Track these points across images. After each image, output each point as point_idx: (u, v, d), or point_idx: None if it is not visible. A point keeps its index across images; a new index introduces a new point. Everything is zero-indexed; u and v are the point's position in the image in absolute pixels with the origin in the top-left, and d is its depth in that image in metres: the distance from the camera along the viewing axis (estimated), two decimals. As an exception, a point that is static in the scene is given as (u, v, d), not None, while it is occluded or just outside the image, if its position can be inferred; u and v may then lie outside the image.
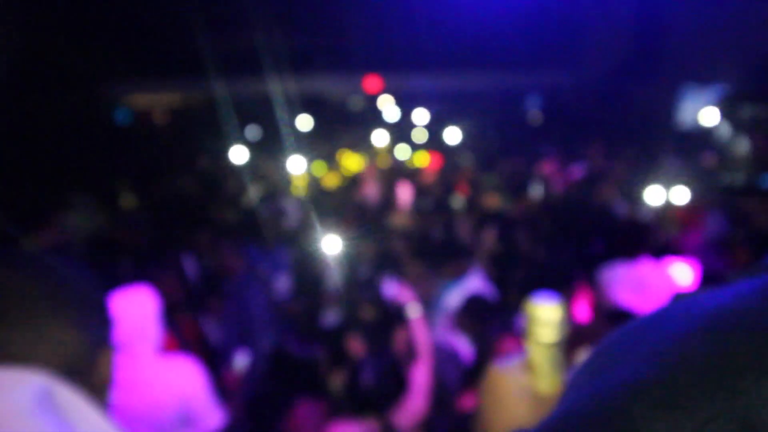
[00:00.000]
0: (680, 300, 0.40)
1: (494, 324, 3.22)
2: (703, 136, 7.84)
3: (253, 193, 6.20)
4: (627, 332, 0.41)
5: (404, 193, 6.09)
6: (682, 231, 4.52)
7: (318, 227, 3.95)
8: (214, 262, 4.24)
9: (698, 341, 0.33)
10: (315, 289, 3.91)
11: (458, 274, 3.76)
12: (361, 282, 3.27)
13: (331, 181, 7.49)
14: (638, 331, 0.39)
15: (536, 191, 5.90)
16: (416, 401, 2.31)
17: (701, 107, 8.08)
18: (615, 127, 9.21)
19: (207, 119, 8.08)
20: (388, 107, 10.77)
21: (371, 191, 6.68)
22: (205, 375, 2.25)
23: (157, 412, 2.08)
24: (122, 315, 2.03)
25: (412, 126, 9.95)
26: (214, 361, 3.10)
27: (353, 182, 7.07)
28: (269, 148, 7.51)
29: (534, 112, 12.58)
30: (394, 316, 2.75)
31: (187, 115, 11.30)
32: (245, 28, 8.49)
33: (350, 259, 3.87)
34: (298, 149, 6.25)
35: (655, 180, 4.78)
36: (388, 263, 3.86)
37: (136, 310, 2.08)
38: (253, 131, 10.53)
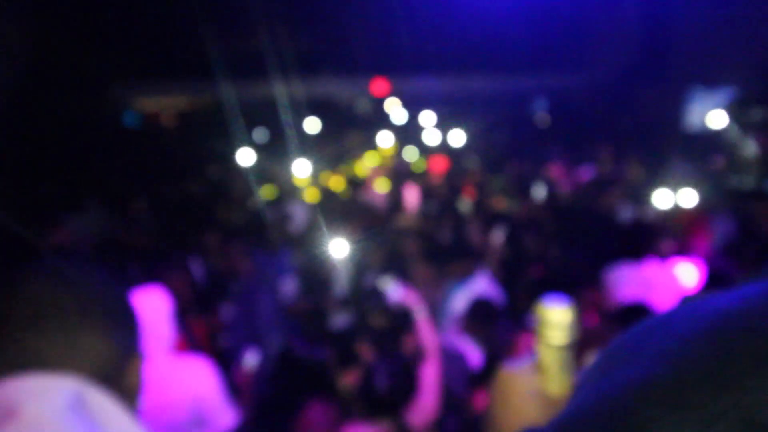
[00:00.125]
0: (687, 302, 0.41)
1: (500, 327, 3.23)
2: (712, 139, 7.81)
3: (260, 196, 6.22)
4: (635, 334, 0.42)
5: (411, 196, 6.10)
6: (689, 234, 4.51)
7: (325, 230, 3.96)
8: (222, 264, 4.26)
9: (705, 342, 0.34)
10: (322, 291, 3.92)
11: (464, 275, 3.76)
12: (369, 288, 3.27)
13: (338, 183, 7.51)
14: (646, 332, 0.40)
15: (542, 193, 5.89)
16: (427, 401, 2.32)
17: (710, 110, 8.05)
18: (623, 129, 9.18)
19: (215, 122, 8.11)
20: (396, 110, 10.77)
21: (378, 194, 6.69)
22: (218, 375, 2.27)
23: (170, 413, 2.09)
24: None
25: (419, 129, 9.95)
26: (224, 361, 3.12)
27: (360, 185, 7.08)
28: (277, 151, 7.53)
29: (541, 115, 12.56)
30: (402, 320, 2.76)
31: (196, 118, 11.35)
32: (253, 32, 8.51)
33: (357, 262, 3.87)
34: (306, 152, 6.27)
35: (663, 183, 4.77)
36: (395, 266, 3.87)
37: (148, 310, 2.10)
38: (260, 134, 10.56)
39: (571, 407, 0.39)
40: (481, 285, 3.67)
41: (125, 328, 0.80)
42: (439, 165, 8.04)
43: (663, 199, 4.57)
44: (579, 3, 10.16)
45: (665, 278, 3.48)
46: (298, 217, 5.60)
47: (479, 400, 2.51)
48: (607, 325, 2.68)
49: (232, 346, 3.55)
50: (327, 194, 6.63)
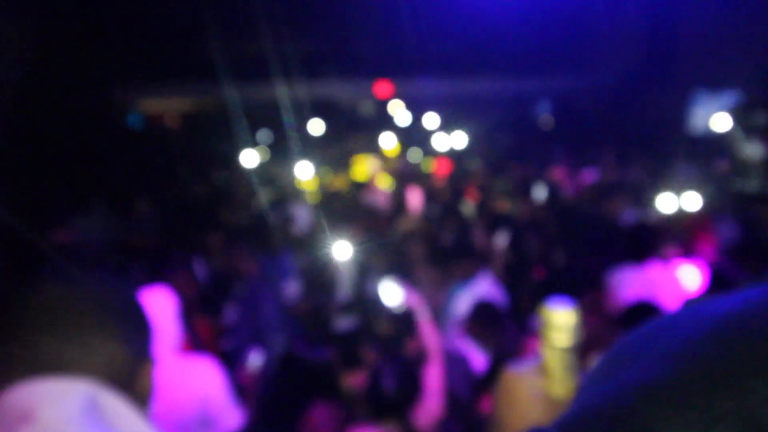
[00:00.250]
0: (691, 305, 0.42)
1: (503, 329, 3.23)
2: (716, 142, 7.80)
3: (263, 197, 6.23)
4: (638, 336, 0.43)
5: (414, 198, 6.10)
6: (694, 237, 4.51)
7: (328, 232, 3.97)
8: (225, 265, 4.27)
9: (708, 344, 0.35)
10: (325, 293, 3.92)
11: (467, 276, 3.75)
12: (373, 295, 3.28)
13: (341, 185, 7.51)
14: (650, 334, 0.41)
15: (543, 195, 5.88)
16: (432, 403, 2.33)
17: (713, 113, 8.04)
18: (627, 132, 9.17)
19: (219, 124, 8.13)
20: (399, 112, 10.78)
21: (381, 195, 6.70)
22: (224, 375, 2.27)
23: (177, 413, 2.10)
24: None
25: (423, 131, 9.96)
26: (227, 362, 3.13)
27: (363, 187, 7.09)
28: (280, 153, 7.55)
29: (545, 117, 12.55)
30: (406, 323, 2.76)
31: (200, 120, 11.38)
32: (257, 34, 8.53)
33: (361, 265, 3.88)
34: (309, 154, 6.28)
35: (667, 186, 4.76)
36: (398, 268, 3.87)
37: (155, 311, 2.10)
38: (264, 136, 10.58)
39: (575, 408, 0.40)
40: (483, 286, 3.67)
41: (138, 333, 0.82)
42: (443, 167, 8.05)
43: (667, 202, 4.56)
44: (583, 6, 10.16)
45: (668, 281, 3.48)
46: (301, 219, 5.61)
47: (484, 404, 2.51)
48: (611, 328, 2.68)
49: (235, 347, 3.56)
50: (330, 196, 6.64)
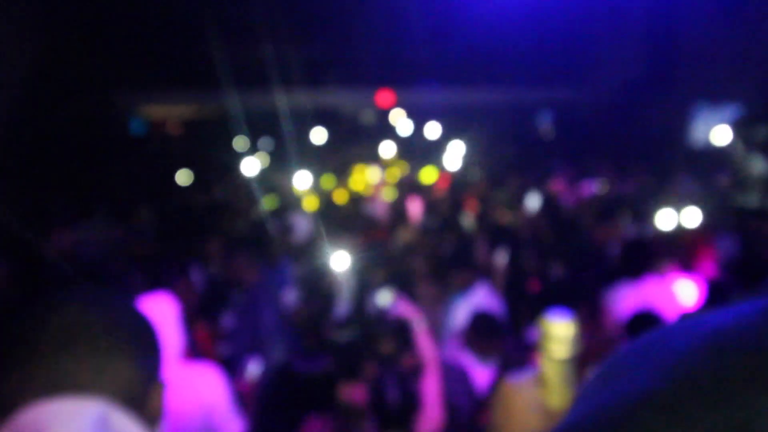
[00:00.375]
0: (686, 319, 0.42)
1: (503, 340, 3.22)
2: (716, 156, 7.81)
3: (263, 206, 6.23)
4: (634, 348, 0.43)
5: (414, 208, 6.10)
6: (694, 252, 4.50)
7: (327, 242, 3.97)
8: (224, 272, 4.27)
9: (701, 358, 0.36)
10: (324, 302, 3.91)
11: (464, 287, 3.75)
12: (374, 311, 3.27)
13: (341, 195, 7.52)
14: (645, 347, 0.42)
15: (536, 204, 5.88)
16: (432, 413, 2.33)
17: (714, 127, 8.06)
18: (627, 145, 9.20)
19: (221, 131, 8.15)
20: (401, 122, 10.80)
21: (381, 206, 6.70)
22: (226, 382, 2.27)
23: (180, 420, 2.09)
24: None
25: (424, 140, 9.97)
26: (227, 369, 3.12)
27: (363, 197, 7.09)
28: (281, 161, 7.56)
29: (545, 128, 12.58)
30: (405, 336, 2.76)
31: (202, 127, 11.41)
32: (259, 42, 8.58)
33: (360, 276, 3.87)
34: (310, 162, 6.29)
35: (666, 201, 4.76)
36: (397, 280, 3.86)
37: (156, 318, 2.09)
38: (265, 144, 10.60)
39: (571, 417, 0.40)
40: (480, 297, 3.66)
41: (150, 354, 0.83)
42: (443, 178, 8.05)
43: (666, 218, 4.54)
44: (585, 18, 10.22)
45: (665, 296, 3.47)
46: (301, 228, 5.60)
47: (482, 414, 2.51)
48: (607, 341, 2.68)
49: (233, 354, 3.56)
50: (330, 205, 6.65)
